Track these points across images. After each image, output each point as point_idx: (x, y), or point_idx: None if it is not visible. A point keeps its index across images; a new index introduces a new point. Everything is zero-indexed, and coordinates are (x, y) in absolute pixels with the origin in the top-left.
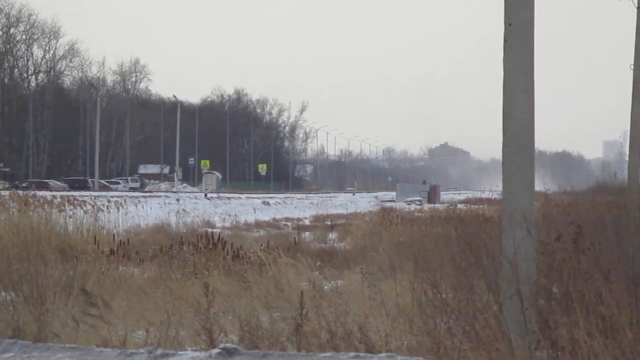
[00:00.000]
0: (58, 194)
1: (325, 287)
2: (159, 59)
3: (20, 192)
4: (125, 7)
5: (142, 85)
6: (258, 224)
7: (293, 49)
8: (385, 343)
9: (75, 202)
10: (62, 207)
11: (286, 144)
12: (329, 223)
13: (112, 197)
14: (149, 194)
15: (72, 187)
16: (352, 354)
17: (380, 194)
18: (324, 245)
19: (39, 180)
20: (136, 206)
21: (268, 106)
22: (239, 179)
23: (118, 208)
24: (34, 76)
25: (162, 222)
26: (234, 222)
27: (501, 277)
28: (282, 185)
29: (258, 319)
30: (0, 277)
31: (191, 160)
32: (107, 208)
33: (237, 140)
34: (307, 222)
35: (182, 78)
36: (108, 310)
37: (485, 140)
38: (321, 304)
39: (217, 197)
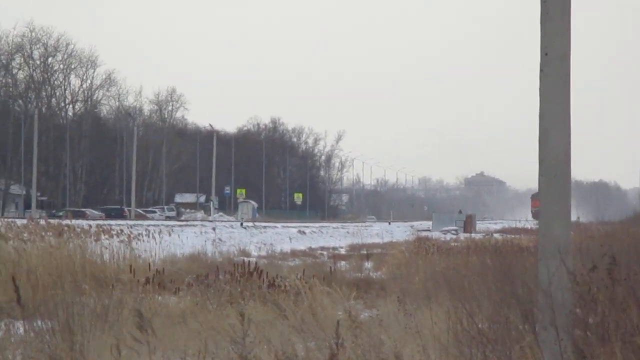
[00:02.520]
0: (94, 222)
1: (361, 316)
2: (195, 88)
3: (56, 220)
4: (162, 36)
5: (178, 114)
6: (294, 253)
7: (329, 78)
8: None
9: (111, 231)
10: (98, 236)
11: (322, 173)
12: (365, 252)
13: (148, 226)
14: (185, 222)
15: (109, 216)
16: None
17: (416, 223)
18: (359, 274)
19: (76, 209)
20: (171, 235)
21: (304, 135)
22: (274, 207)
23: (154, 237)
24: (71, 105)
25: (198, 251)
26: (269, 251)
27: (537, 307)
28: (318, 214)
29: (293, 348)
30: (35, 306)
31: (227, 189)
32: (143, 237)
33: (273, 169)
34: (342, 251)
35: (218, 107)
36: (153, 336)
37: (521, 169)
38: (357, 333)
39: (253, 226)
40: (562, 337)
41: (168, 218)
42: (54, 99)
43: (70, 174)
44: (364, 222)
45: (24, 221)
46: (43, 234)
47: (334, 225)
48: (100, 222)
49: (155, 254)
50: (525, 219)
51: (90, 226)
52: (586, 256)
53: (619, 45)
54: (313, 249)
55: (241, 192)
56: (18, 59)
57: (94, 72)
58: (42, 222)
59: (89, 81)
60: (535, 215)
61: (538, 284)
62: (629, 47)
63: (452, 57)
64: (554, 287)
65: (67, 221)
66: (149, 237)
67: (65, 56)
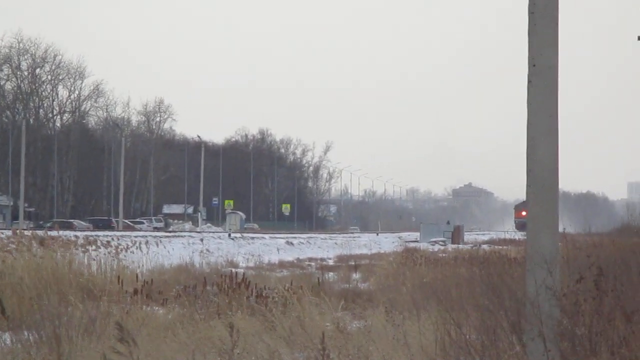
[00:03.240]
0: (82, 233)
1: (349, 327)
2: (183, 100)
3: (42, 232)
4: (150, 48)
5: (166, 125)
6: (282, 264)
7: (318, 90)
8: None
9: (99, 242)
10: (86, 248)
11: (310, 184)
12: (353, 263)
13: (136, 237)
14: (172, 233)
15: (97, 227)
16: None
17: (404, 234)
18: (347, 285)
19: (63, 220)
20: (158, 246)
21: (292, 146)
22: (262, 218)
23: (142, 248)
24: (59, 116)
25: (186, 262)
26: (257, 262)
27: (524, 318)
28: (306, 225)
29: (281, 359)
30: (22, 318)
31: (215, 200)
32: (131, 248)
33: (261, 180)
34: (330, 262)
35: (206, 118)
36: (136, 348)
37: (509, 180)
38: (344, 344)
39: (241, 237)
40: (550, 349)
41: (156, 229)
42: (41, 110)
43: (58, 185)
44: (346, 232)
45: (10, 232)
46: (30, 244)
47: (322, 236)
48: (88, 233)
49: (143, 265)
50: (511, 230)
51: (77, 237)
52: (573, 267)
53: (607, 57)
54: (301, 260)
55: (229, 203)
56: (6, 70)
57: (82, 83)
58: (28, 233)
59: (76, 92)
60: (518, 227)
61: (526, 295)
62: (618, 58)
63: (441, 70)
64: (541, 298)
65: (55, 232)
66: (136, 248)
67: (53, 67)
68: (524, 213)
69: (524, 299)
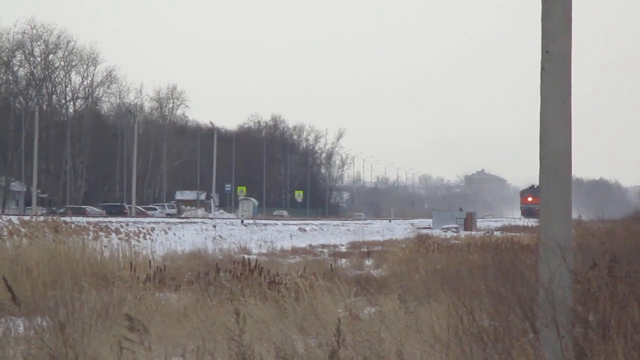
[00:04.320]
0: (94, 219)
1: (362, 313)
2: (196, 86)
3: (55, 218)
4: (162, 34)
5: (179, 112)
6: (294, 251)
7: (330, 75)
8: None
9: (111, 228)
10: (98, 234)
11: (322, 170)
12: (365, 250)
13: (148, 223)
14: (185, 220)
15: (109, 213)
16: None
17: (416, 221)
18: (360, 271)
19: (76, 206)
20: (169, 233)
21: (305, 133)
22: (275, 205)
23: (154, 234)
24: (72, 102)
25: (199, 249)
26: (270, 249)
27: (537, 305)
28: (319, 211)
29: (293, 346)
30: (36, 303)
31: (228, 187)
32: (144, 234)
33: (273, 167)
34: (343, 248)
35: (219, 105)
36: (147, 336)
37: (521, 167)
38: (357, 330)
39: (254, 224)
40: (563, 335)
41: (169, 215)
42: (54, 96)
43: (71, 171)
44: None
45: (24, 218)
46: (42, 230)
47: (335, 222)
48: (101, 219)
49: (156, 251)
50: (517, 217)
51: (90, 223)
52: (587, 254)
53: (620, 43)
54: (314, 247)
55: (242, 190)
56: (19, 56)
57: (94, 69)
58: (41, 219)
59: (89, 78)
60: (524, 213)
61: (539, 282)
62: (631, 45)
63: (454, 55)
64: (554, 284)
65: (67, 218)
66: (149, 234)
67: (66, 53)
68: (530, 199)
69: (537, 285)
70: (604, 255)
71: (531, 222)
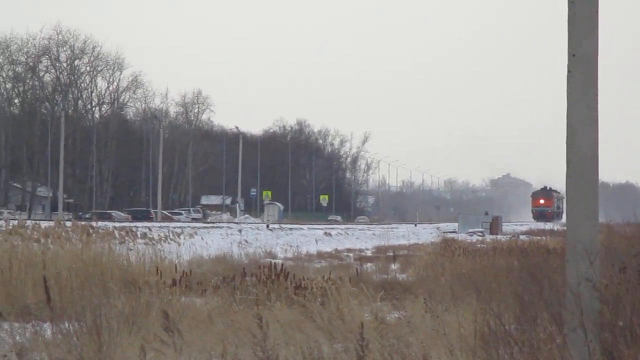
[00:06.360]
0: (120, 224)
1: (388, 317)
2: (221, 91)
3: (82, 222)
4: (188, 39)
5: (204, 117)
6: (320, 255)
7: (356, 80)
8: None
9: (137, 233)
10: (124, 239)
11: (348, 175)
12: (391, 254)
13: (174, 227)
14: (211, 224)
15: (135, 218)
16: None
17: (442, 225)
18: (386, 276)
19: (102, 211)
20: (195, 237)
21: (330, 137)
22: (300, 209)
23: (180, 239)
24: (97, 107)
25: (225, 253)
26: (295, 253)
27: (564, 309)
28: (344, 216)
29: (319, 350)
30: (63, 308)
31: (253, 191)
32: (170, 239)
33: (299, 171)
34: (368, 253)
35: (244, 109)
36: (179, 337)
37: (547, 171)
38: (383, 335)
39: (279, 228)
40: (591, 339)
41: (194, 220)
42: (80, 101)
43: (97, 176)
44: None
45: (51, 223)
46: (69, 235)
47: (360, 227)
48: (127, 224)
49: (182, 256)
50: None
51: (116, 228)
52: (614, 257)
53: None
54: (339, 251)
55: (267, 194)
56: (45, 62)
57: (120, 74)
58: (68, 224)
59: (115, 83)
60: (535, 216)
61: (566, 285)
62: None
63: (479, 57)
64: (582, 288)
65: (94, 223)
66: (175, 239)
67: (92, 58)
68: (542, 201)
69: (564, 289)
70: (632, 259)
71: (557, 226)
